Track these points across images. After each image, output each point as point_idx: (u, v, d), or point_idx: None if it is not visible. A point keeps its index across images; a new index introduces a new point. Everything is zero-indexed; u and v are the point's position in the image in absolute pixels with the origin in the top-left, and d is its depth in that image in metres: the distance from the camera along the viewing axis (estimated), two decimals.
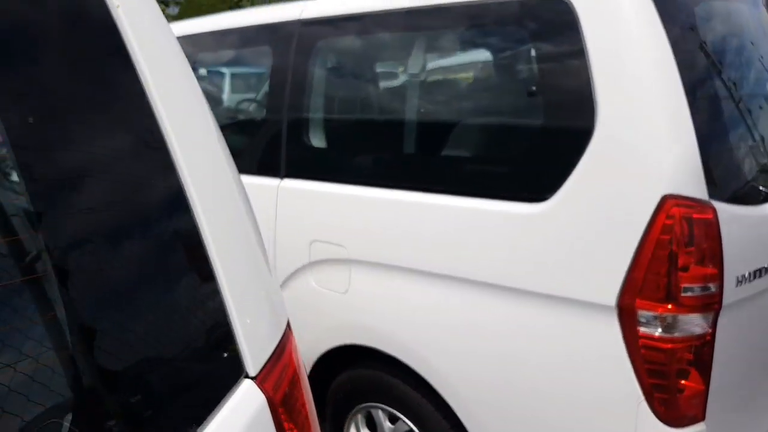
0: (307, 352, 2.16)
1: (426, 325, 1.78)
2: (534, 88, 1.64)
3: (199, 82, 2.49)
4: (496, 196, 1.62)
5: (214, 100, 2.89)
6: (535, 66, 1.66)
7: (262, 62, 2.41)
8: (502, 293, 1.61)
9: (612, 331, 1.44)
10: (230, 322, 0.71)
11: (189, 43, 2.77)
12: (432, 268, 1.75)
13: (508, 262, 1.59)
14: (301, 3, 2.17)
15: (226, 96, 2.92)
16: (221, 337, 0.70)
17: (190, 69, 0.80)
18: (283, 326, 0.84)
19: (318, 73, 2.10)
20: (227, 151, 0.84)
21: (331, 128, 2.14)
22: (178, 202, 0.67)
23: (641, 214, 1.40)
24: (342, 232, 1.97)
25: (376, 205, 1.88)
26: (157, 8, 0.73)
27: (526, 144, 1.65)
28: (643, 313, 1.41)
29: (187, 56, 2.51)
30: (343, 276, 1.98)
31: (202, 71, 2.77)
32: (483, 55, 1.91)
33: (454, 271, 1.70)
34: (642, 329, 1.41)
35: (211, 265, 0.69)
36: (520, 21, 1.65)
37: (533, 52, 1.65)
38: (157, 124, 0.67)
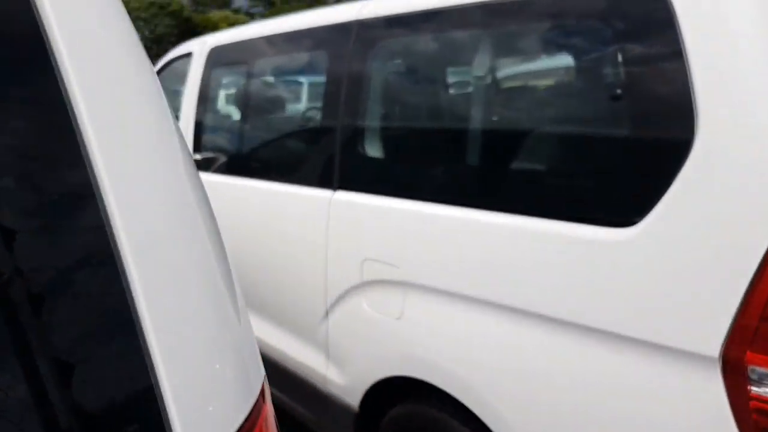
0: (358, 381, 1.99)
1: (488, 363, 1.57)
2: (620, 92, 1.40)
3: (253, 89, 2.41)
4: (576, 218, 1.39)
5: (267, 106, 2.80)
6: (622, 69, 1.42)
7: (317, 67, 2.29)
8: (579, 333, 1.37)
9: (713, 388, 1.17)
10: (160, 402, 0.50)
11: (242, 49, 2.71)
12: (496, 298, 1.54)
13: (587, 298, 1.35)
14: (360, 2, 2.03)
15: (279, 102, 2.82)
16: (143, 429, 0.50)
17: (150, 86, 0.64)
18: (254, 396, 0.64)
19: (376, 77, 1.94)
20: (193, 181, 0.67)
21: (388, 137, 1.98)
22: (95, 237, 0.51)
23: (753, 245, 1.13)
24: (397, 252, 1.79)
25: (435, 223, 1.69)
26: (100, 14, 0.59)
27: (611, 158, 1.41)
28: (756, 369, 1.14)
29: (241, 63, 2.43)
30: (397, 300, 1.80)
31: (256, 78, 2.69)
32: (563, 56, 1.69)
33: (521, 304, 1.48)
34: (754, 389, 1.14)
35: (133, 309, 0.51)
36: (606, 17, 1.42)
37: (621, 53, 1.42)
38: (80, 141, 0.52)
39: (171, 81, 3.53)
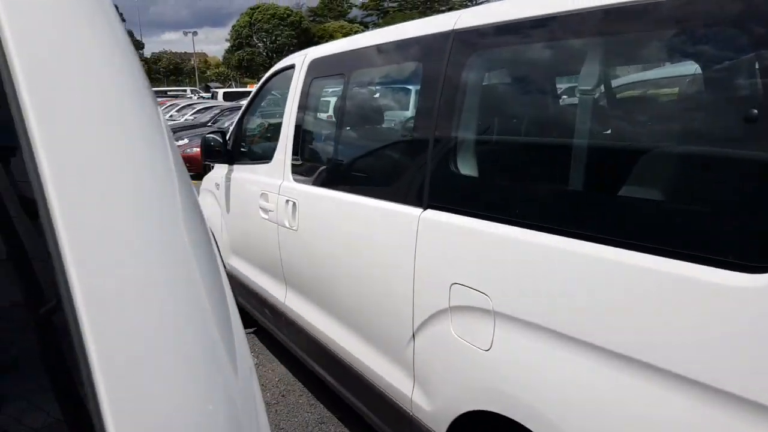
0: (444, 410, 1.88)
1: (583, 410, 1.40)
2: (756, 112, 1.18)
3: (347, 101, 2.37)
4: (695, 258, 1.18)
5: (359, 119, 2.76)
6: (759, 81, 1.20)
7: (411, 79, 2.21)
8: (686, 388, 1.17)
9: None
10: None
11: (338, 61, 2.69)
12: (595, 340, 1.36)
13: (705, 352, 1.14)
14: (456, 12, 1.92)
15: (372, 114, 2.77)
16: None
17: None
18: None
19: (471, 89, 1.82)
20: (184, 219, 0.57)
21: (483, 154, 1.85)
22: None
23: None
24: (487, 279, 1.66)
25: (531, 251, 1.53)
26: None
27: (742, 188, 1.19)
28: None
29: (337, 75, 2.41)
30: (486, 330, 1.67)
31: (350, 90, 2.66)
32: (691, 67, 1.47)
33: (624, 349, 1.29)
34: None
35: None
36: (743, 22, 1.21)
37: (759, 64, 1.19)
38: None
39: (276, 91, 3.62)
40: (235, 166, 3.77)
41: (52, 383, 0.46)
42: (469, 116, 1.85)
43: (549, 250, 1.48)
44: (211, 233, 0.67)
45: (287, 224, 2.92)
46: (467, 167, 1.84)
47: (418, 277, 1.94)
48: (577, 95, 1.66)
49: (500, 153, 1.85)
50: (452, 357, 1.82)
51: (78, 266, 0.44)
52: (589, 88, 1.60)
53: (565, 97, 1.91)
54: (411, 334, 2.00)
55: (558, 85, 1.88)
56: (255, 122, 3.97)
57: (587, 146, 1.54)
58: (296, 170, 2.96)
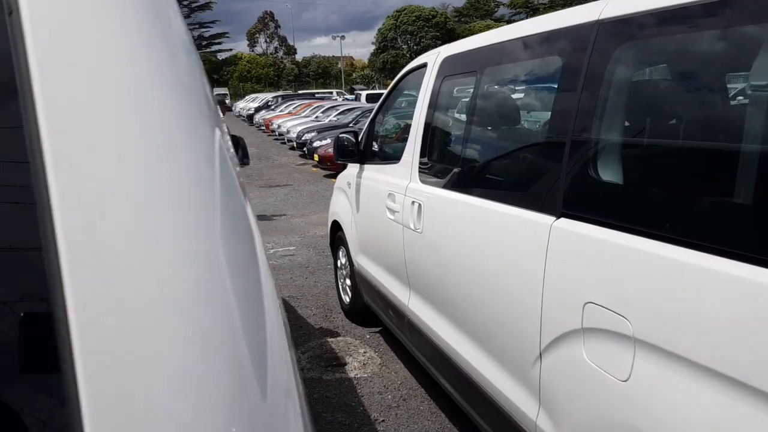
0: None
1: None
2: None
3: (477, 100, 2.24)
4: None
5: (489, 118, 2.62)
6: None
7: (548, 75, 2.03)
8: None
9: None
10: None
11: (471, 58, 2.57)
12: (762, 384, 1.12)
13: None
14: (601, 2, 1.71)
15: (503, 113, 2.60)
16: None
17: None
18: None
19: (617, 86, 1.62)
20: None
21: (631, 158, 1.64)
22: None
23: None
24: (627, 300, 1.46)
25: (686, 274, 1.31)
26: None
27: None
28: None
29: (469, 73, 2.29)
30: (625, 358, 1.47)
31: (481, 88, 2.52)
32: None
33: None
34: None
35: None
36: None
37: None
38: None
39: (408, 90, 3.58)
40: (366, 166, 3.80)
41: (38, 399, 0.43)
42: (614, 116, 1.65)
43: (706, 274, 1.25)
44: (260, 244, 0.62)
45: (412, 226, 2.86)
46: (610, 173, 1.64)
47: (547, 292, 1.77)
48: (747, 95, 1.40)
49: (651, 158, 1.62)
50: (584, 384, 1.63)
51: (71, 269, 0.40)
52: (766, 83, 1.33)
53: (739, 97, 1.63)
54: (538, 352, 1.84)
55: (729, 83, 1.61)
56: (386, 122, 3.97)
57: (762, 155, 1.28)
58: (423, 171, 2.89)
